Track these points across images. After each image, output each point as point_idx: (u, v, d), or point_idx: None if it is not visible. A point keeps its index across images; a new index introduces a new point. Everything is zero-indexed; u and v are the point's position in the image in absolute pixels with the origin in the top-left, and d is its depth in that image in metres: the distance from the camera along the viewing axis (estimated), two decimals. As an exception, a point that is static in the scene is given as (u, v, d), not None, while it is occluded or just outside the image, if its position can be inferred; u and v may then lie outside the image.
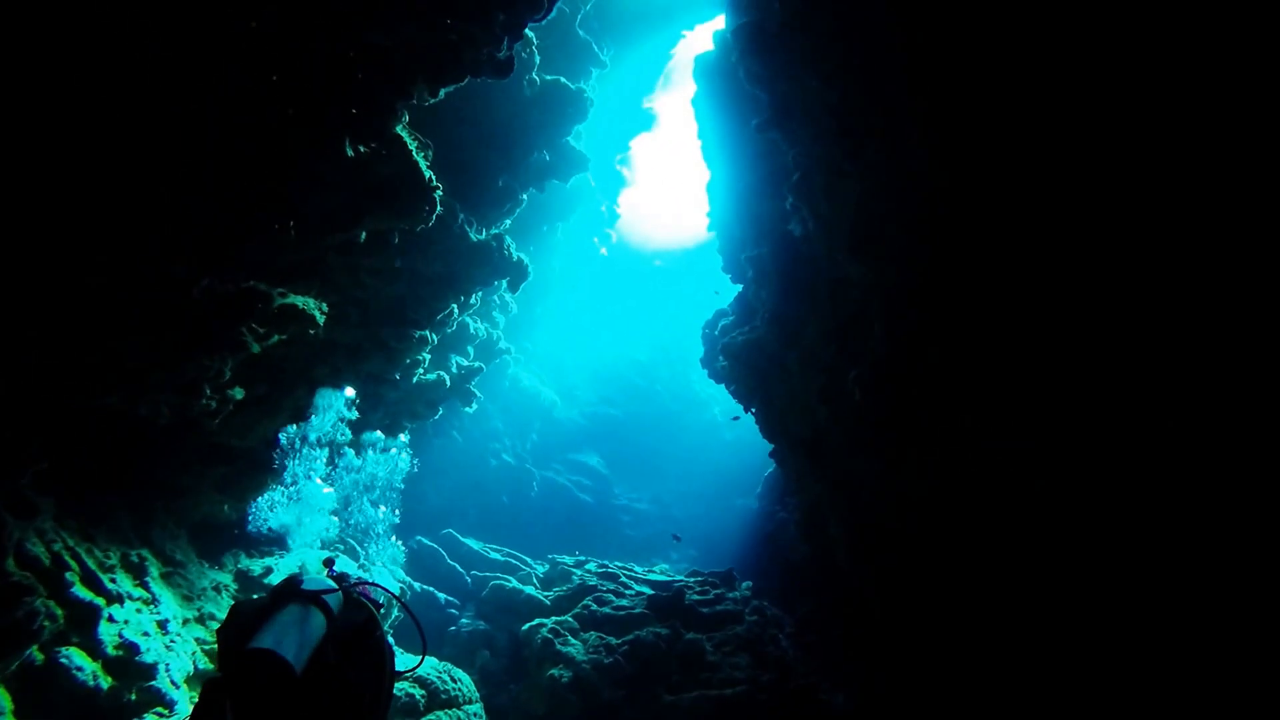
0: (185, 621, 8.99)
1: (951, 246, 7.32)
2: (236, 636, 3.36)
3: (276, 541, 14.57)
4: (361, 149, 7.57)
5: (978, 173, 6.89)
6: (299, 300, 8.21)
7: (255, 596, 11.33)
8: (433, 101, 8.11)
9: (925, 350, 7.87)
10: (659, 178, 46.57)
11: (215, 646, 9.09)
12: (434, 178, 8.43)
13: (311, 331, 8.69)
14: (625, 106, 25.42)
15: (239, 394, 8.53)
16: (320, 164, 7.21)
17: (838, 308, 10.94)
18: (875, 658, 13.73)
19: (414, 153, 8.18)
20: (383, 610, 4.23)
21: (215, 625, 9.48)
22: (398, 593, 4.89)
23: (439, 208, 8.81)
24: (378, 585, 4.37)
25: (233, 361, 7.96)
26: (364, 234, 8.77)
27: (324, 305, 8.68)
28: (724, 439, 33.92)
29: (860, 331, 9.85)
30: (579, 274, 30.27)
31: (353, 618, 3.76)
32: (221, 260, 6.94)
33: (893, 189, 7.12)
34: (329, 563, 4.28)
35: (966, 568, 10.36)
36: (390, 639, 4.04)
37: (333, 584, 3.77)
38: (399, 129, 7.94)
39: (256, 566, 11.83)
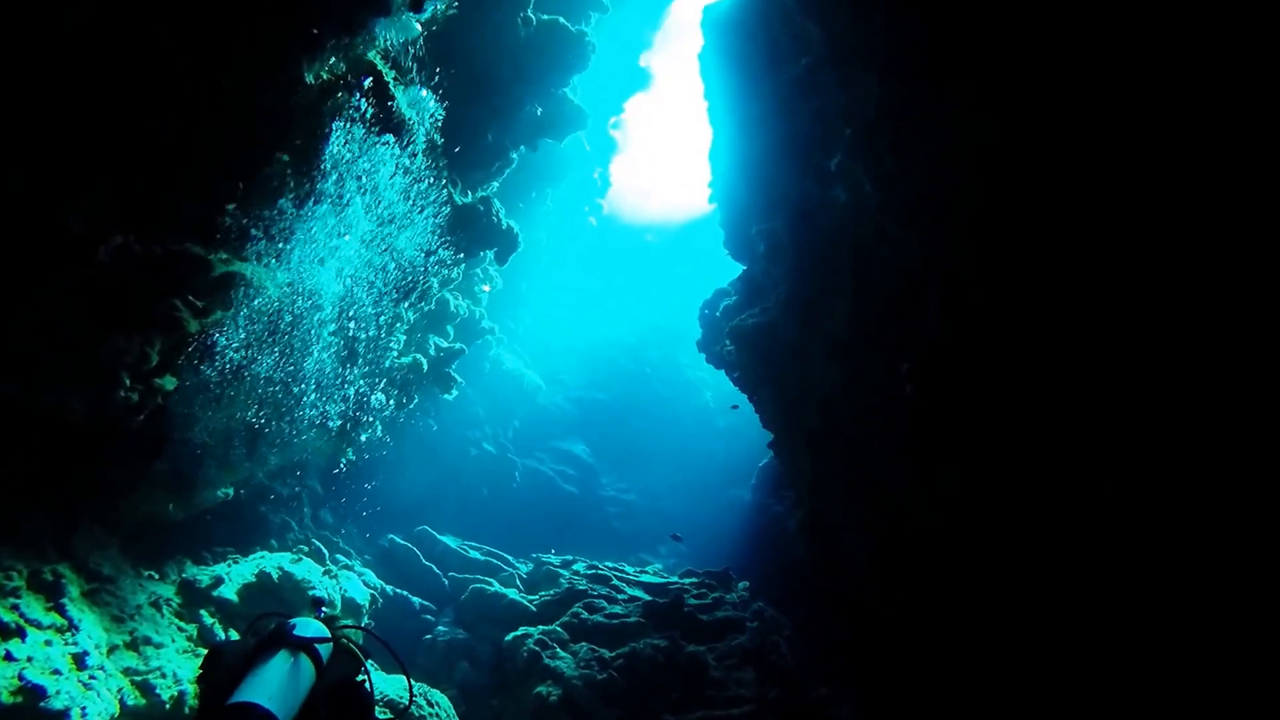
0: (112, 649, 7.56)
1: (1048, 224, 5.97)
2: (219, 687, 3.08)
3: (233, 538, 13.17)
4: (325, 76, 6.11)
5: (1084, 138, 5.59)
6: (246, 268, 6.72)
7: (235, 637, 9.98)
8: (418, 20, 6.63)
9: (996, 343, 6.57)
10: (653, 144, 44.00)
11: (149, 677, 7.73)
12: (415, 118, 6.99)
13: (263, 306, 7.22)
14: (620, 63, 23.66)
15: (170, 383, 7.03)
16: (272, 93, 5.73)
17: (871, 289, 9.66)
18: (886, 670, 12.73)
19: (390, 85, 6.70)
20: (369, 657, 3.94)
21: (151, 651, 8.07)
22: (367, 601, 4.44)
23: (420, 157, 7.37)
24: (364, 629, 4.17)
25: (161, 343, 6.48)
26: (330, 186, 7.32)
27: (279, 274, 7.20)
28: (715, 427, 32.69)
29: (903, 317, 8.55)
30: (566, 247, 28.46)
31: (342, 668, 3.54)
32: (141, 215, 5.48)
33: (981, 147, 5.78)
34: (318, 603, 3.98)
35: (1010, 592, 9.36)
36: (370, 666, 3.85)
37: (326, 631, 3.53)
38: (372, 54, 6.47)
39: (204, 576, 10.39)
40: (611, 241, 36.73)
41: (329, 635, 3.50)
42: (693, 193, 38.63)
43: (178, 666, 7.93)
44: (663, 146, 44.77)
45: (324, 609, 3.88)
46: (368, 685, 3.66)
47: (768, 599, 15.98)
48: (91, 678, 6.83)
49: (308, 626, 3.44)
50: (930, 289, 6.83)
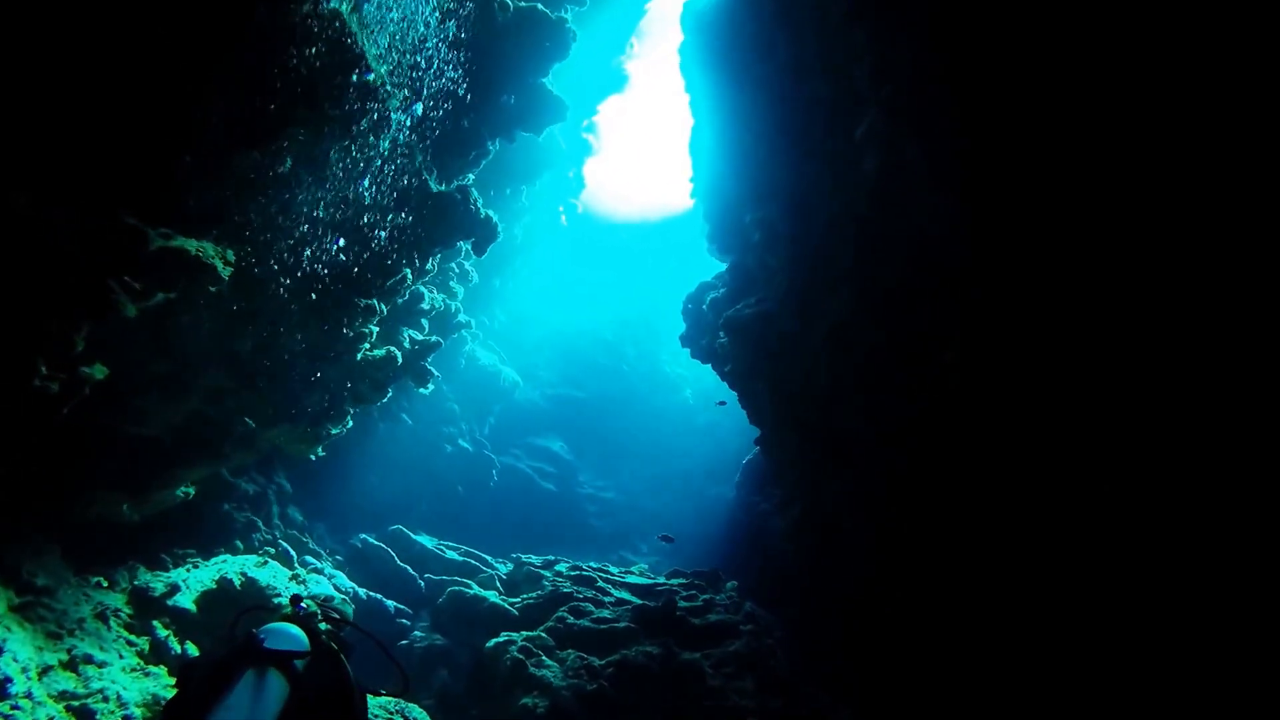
0: (45, 671, 6.68)
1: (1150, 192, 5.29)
2: (187, 711, 2.89)
3: (194, 539, 12.27)
4: (279, 19, 5.29)
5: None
6: (190, 244, 5.84)
7: (192, 651, 9.10)
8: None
9: (1062, 331, 5.91)
10: (628, 147, 44.01)
11: (89, 701, 6.90)
12: (387, 77, 6.18)
13: (213, 289, 6.34)
14: (595, 64, 23.18)
15: (100, 373, 6.14)
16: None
17: (885, 273, 9.03)
18: (884, 671, 12.25)
19: (357, 34, 5.88)
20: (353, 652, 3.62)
21: (93, 670, 7.20)
22: (339, 601, 4.30)
23: (393, 127, 6.56)
24: (347, 621, 3.78)
25: (89, 328, 5.60)
26: (289, 160, 6.49)
27: (229, 253, 6.32)
28: (696, 424, 32.13)
29: (927, 302, 7.92)
30: (541, 244, 27.99)
31: (322, 675, 3.24)
32: (58, 173, 4.64)
33: (1061, 101, 5.06)
34: (295, 600, 3.65)
35: (1020, 593, 8.95)
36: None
37: (301, 637, 3.25)
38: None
39: (159, 583, 9.51)
40: (586, 237, 36.27)
41: (304, 645, 3.24)
42: (667, 194, 38.86)
43: (123, 687, 7.07)
44: (637, 149, 44.93)
45: (302, 605, 3.61)
46: (353, 685, 3.33)
47: (756, 599, 15.39)
48: (15, 708, 5.96)
49: (280, 636, 3.19)
50: (981, 264, 6.12)
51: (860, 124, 7.05)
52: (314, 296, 9.41)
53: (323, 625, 3.58)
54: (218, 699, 2.86)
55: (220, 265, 6.04)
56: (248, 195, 7.06)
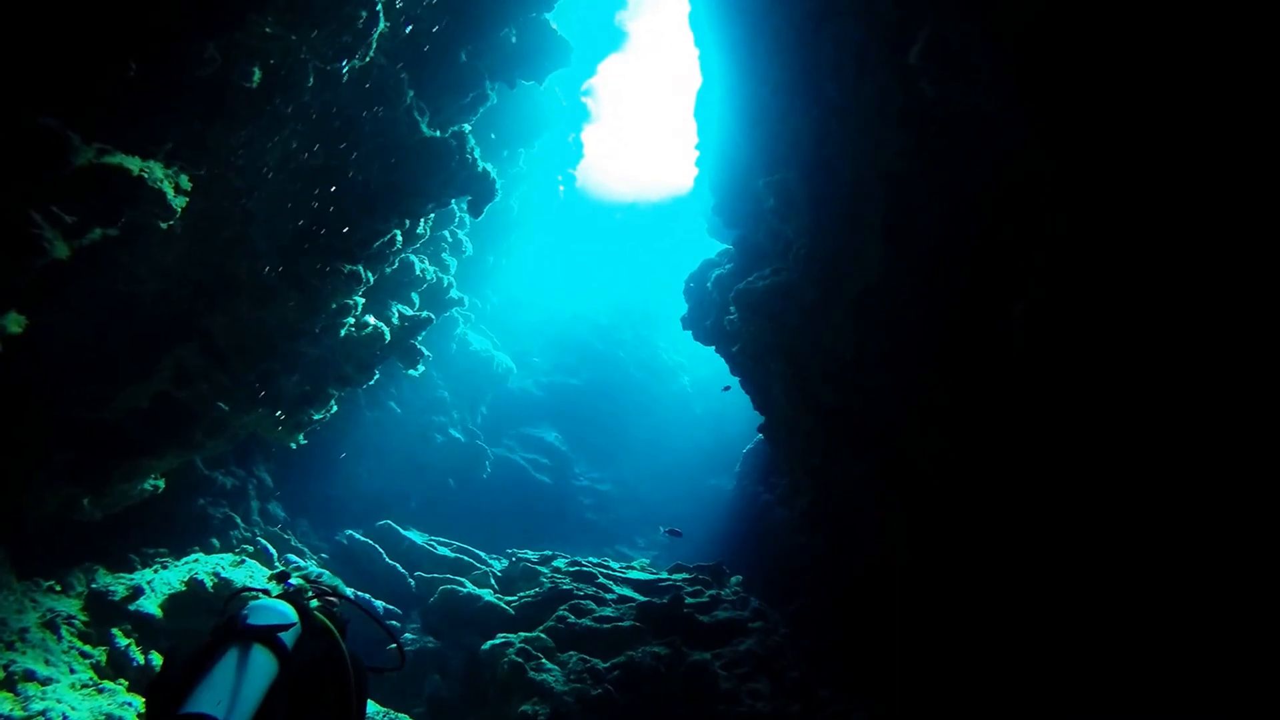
0: (-24, 691, 5.77)
1: None
2: (166, 699, 2.66)
3: (166, 537, 11.36)
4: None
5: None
6: (133, 162, 4.80)
7: (157, 661, 8.21)
8: None
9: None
10: (626, 114, 43.08)
11: (29, 724, 5.95)
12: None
13: (163, 224, 5.33)
14: (595, 17, 22.06)
15: (15, 325, 5.14)
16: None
17: (922, 232, 8.20)
18: (893, 669, 11.56)
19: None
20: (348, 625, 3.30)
21: (34, 689, 6.29)
22: (328, 578, 3.65)
23: (381, 22, 5.54)
24: (340, 596, 3.41)
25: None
26: (256, 71, 5.53)
27: (182, 178, 5.27)
28: (694, 413, 31.34)
29: (978, 259, 7.08)
30: (537, 218, 26.68)
31: (314, 650, 3.00)
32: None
33: None
34: (281, 577, 3.36)
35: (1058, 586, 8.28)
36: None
37: (289, 612, 2.96)
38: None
39: (120, 586, 8.59)
40: (582, 216, 35.09)
41: (291, 618, 2.98)
42: (666, 173, 38.04)
43: (70, 707, 6.16)
44: (637, 120, 43.82)
45: (290, 582, 3.36)
46: (347, 660, 3.05)
47: (758, 592, 14.66)
48: (-63, 735, 5.08)
49: (264, 611, 2.96)
50: (1067, 184, 5.21)
51: (914, 45, 6.16)
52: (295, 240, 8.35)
53: (313, 602, 3.29)
54: (199, 678, 2.67)
55: (170, 191, 4.98)
56: (202, 105, 5.99)
